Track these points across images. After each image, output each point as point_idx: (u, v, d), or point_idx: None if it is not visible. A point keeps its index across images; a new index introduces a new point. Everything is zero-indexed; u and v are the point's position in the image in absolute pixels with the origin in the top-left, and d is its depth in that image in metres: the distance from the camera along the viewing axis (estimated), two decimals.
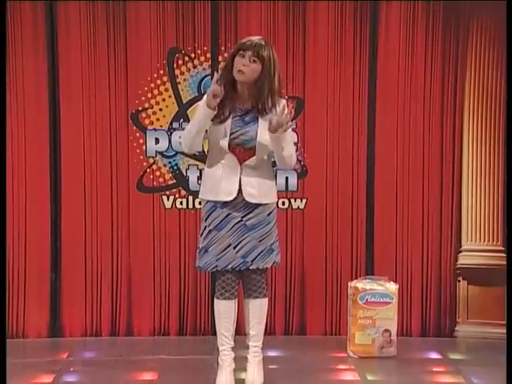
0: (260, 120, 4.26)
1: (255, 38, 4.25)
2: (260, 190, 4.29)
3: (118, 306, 5.68)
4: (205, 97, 4.21)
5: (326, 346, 5.50)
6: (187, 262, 5.65)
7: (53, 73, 5.54)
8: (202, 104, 4.23)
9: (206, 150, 5.40)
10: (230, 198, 4.27)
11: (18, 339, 5.59)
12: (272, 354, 5.06)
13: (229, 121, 4.24)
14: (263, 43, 4.22)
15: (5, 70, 5.29)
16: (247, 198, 4.27)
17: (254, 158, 4.27)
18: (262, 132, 4.24)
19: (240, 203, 4.28)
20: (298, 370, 4.86)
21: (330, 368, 4.95)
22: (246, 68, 4.18)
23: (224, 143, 4.25)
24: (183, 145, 4.41)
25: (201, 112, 4.23)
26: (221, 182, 4.27)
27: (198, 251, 4.41)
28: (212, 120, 4.24)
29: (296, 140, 5.50)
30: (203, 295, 5.67)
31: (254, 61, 4.19)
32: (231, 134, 4.24)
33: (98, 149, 5.60)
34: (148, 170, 5.66)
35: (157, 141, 5.64)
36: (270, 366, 4.67)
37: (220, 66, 4.37)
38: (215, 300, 4.41)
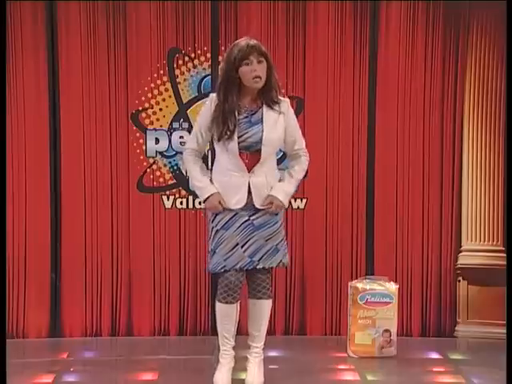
0: (265, 119, 4.25)
1: (245, 41, 4.24)
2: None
3: (118, 306, 5.68)
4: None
5: (326, 346, 5.50)
6: (187, 261, 5.65)
7: (53, 73, 5.54)
8: (200, 185, 4.35)
9: (208, 150, 5.43)
10: (240, 206, 4.27)
11: (18, 339, 5.59)
12: (272, 354, 5.05)
13: (235, 130, 4.22)
14: (256, 41, 4.25)
15: (5, 69, 5.30)
16: (258, 206, 4.28)
17: (261, 160, 4.25)
18: (268, 131, 4.23)
19: (248, 204, 4.28)
20: (298, 369, 4.86)
21: (330, 368, 4.94)
22: (259, 72, 4.19)
23: (233, 147, 4.22)
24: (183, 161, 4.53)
25: (197, 187, 4.41)
26: (230, 189, 4.27)
27: (208, 255, 4.39)
28: (219, 140, 4.24)
29: None
30: (203, 295, 5.67)
31: (261, 61, 4.20)
32: (239, 138, 4.22)
33: (97, 149, 5.61)
34: (148, 170, 5.66)
35: (157, 141, 5.64)
36: (270, 366, 4.67)
37: (219, 84, 4.32)
38: (217, 303, 4.40)
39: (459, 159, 5.68)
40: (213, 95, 4.32)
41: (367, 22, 5.61)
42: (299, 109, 5.61)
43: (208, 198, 4.30)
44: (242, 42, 4.25)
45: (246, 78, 4.20)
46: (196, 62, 5.61)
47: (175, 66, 5.62)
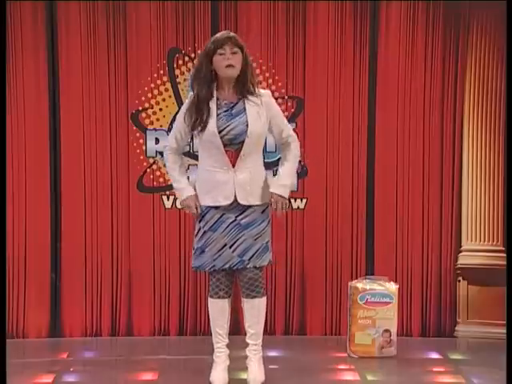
0: (248, 109, 4.25)
1: (222, 33, 4.30)
2: (253, 192, 4.30)
3: (118, 306, 5.68)
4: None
5: (326, 346, 5.50)
6: (187, 261, 5.64)
7: (53, 73, 5.54)
8: (176, 185, 4.43)
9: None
10: (229, 202, 4.28)
11: (18, 339, 5.59)
12: (272, 353, 5.06)
13: (212, 120, 4.23)
14: (234, 34, 4.29)
15: (5, 69, 5.30)
16: (241, 202, 4.28)
17: (244, 152, 4.24)
18: (252, 123, 4.23)
19: (233, 203, 4.29)
20: (298, 369, 4.86)
21: (330, 368, 4.94)
22: (232, 61, 4.20)
23: (217, 142, 4.23)
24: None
25: (175, 187, 4.48)
26: (217, 186, 4.28)
27: (193, 251, 4.41)
28: (192, 129, 4.27)
29: None
30: (203, 295, 5.66)
31: (236, 52, 4.22)
32: (221, 132, 4.22)
33: (98, 149, 5.61)
34: (148, 170, 5.66)
35: (157, 141, 5.64)
36: (270, 366, 4.67)
37: (192, 74, 4.38)
38: (209, 299, 4.43)
39: (459, 159, 5.68)
40: (190, 94, 4.35)
41: (367, 22, 5.61)
42: (299, 109, 5.61)
43: (185, 199, 4.39)
44: (219, 34, 4.30)
45: (218, 66, 4.22)
46: (196, 62, 5.61)
47: (175, 65, 5.62)
